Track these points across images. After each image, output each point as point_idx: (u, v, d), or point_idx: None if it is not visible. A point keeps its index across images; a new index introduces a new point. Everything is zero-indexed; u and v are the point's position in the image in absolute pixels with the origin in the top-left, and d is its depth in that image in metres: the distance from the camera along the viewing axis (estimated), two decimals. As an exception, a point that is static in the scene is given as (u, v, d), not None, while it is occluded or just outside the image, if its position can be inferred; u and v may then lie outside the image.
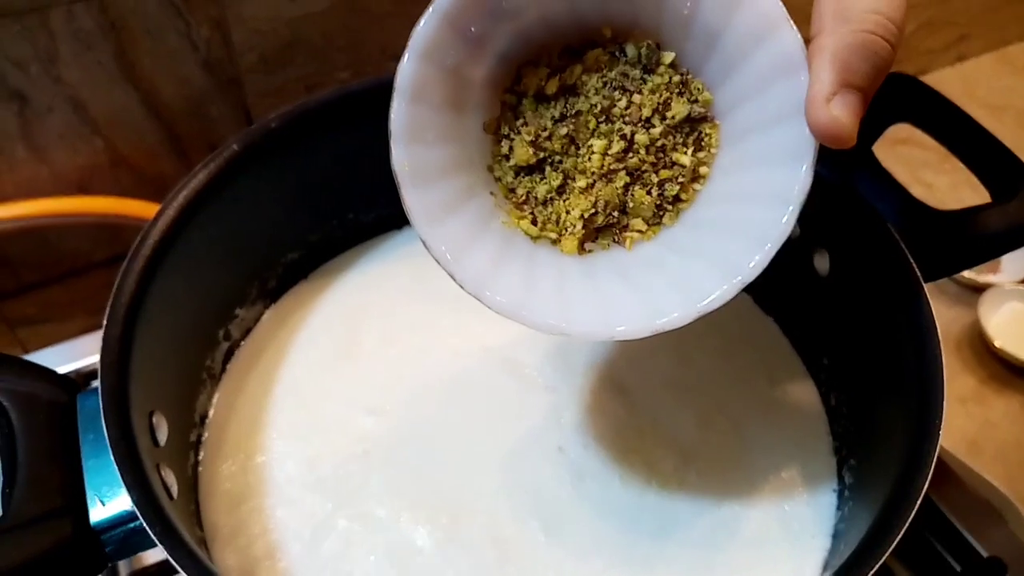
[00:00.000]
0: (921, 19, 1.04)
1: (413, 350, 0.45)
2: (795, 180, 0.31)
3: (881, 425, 0.37)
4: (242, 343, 0.46)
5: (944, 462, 0.49)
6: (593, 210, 0.34)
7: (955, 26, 1.08)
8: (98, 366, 0.34)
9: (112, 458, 0.29)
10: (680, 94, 0.33)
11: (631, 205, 0.34)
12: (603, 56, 0.33)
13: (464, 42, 0.32)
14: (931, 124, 0.41)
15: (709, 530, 0.38)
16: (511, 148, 0.34)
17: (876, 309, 0.38)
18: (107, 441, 0.30)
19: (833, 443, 0.42)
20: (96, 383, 0.33)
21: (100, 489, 0.31)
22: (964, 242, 0.38)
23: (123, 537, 0.31)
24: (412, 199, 0.32)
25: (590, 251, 0.34)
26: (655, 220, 0.34)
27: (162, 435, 0.35)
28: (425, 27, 0.31)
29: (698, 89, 0.33)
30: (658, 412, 0.43)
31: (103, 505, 0.31)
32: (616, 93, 0.33)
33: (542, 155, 0.34)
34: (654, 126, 0.33)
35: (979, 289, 0.82)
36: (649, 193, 0.34)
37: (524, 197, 0.35)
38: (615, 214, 0.34)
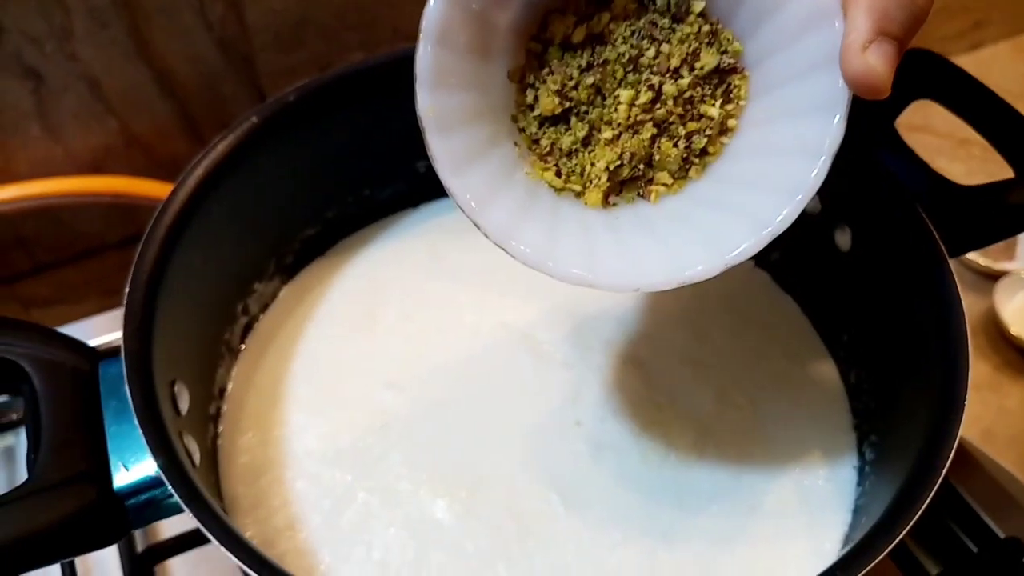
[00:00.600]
0: (937, 5, 1.02)
1: (431, 326, 0.45)
2: (827, 131, 0.30)
3: (903, 401, 0.37)
4: (260, 318, 0.46)
5: (962, 446, 0.48)
6: (619, 162, 0.33)
7: (971, 13, 1.07)
8: (113, 344, 0.34)
9: (136, 423, 0.29)
10: (709, 44, 0.33)
11: (657, 158, 0.33)
12: (631, 4, 0.33)
13: None
14: (954, 100, 0.41)
15: (728, 504, 0.38)
16: (536, 97, 0.34)
17: (899, 284, 0.38)
18: (131, 407, 0.30)
19: (853, 420, 0.42)
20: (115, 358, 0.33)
21: (123, 455, 0.31)
22: (988, 217, 0.38)
23: (146, 503, 0.31)
24: (437, 146, 0.32)
25: (614, 204, 0.34)
26: (681, 173, 0.34)
27: (183, 404, 0.35)
28: None
29: (728, 39, 0.33)
30: (676, 388, 0.42)
31: (127, 470, 0.31)
32: (644, 42, 0.33)
33: (568, 105, 0.33)
34: (682, 77, 0.33)
35: (995, 276, 0.81)
36: (676, 146, 0.33)
37: (548, 148, 0.34)
38: (640, 167, 0.33)
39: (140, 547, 0.46)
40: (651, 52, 0.33)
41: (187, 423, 0.35)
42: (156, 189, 0.66)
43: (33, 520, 0.28)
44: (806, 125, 0.31)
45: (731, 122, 0.33)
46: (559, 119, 0.34)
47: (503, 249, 0.32)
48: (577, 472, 0.39)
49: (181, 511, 0.32)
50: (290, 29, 0.66)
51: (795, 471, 0.40)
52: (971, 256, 0.83)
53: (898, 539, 0.28)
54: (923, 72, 0.42)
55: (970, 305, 0.84)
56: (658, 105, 0.33)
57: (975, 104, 0.40)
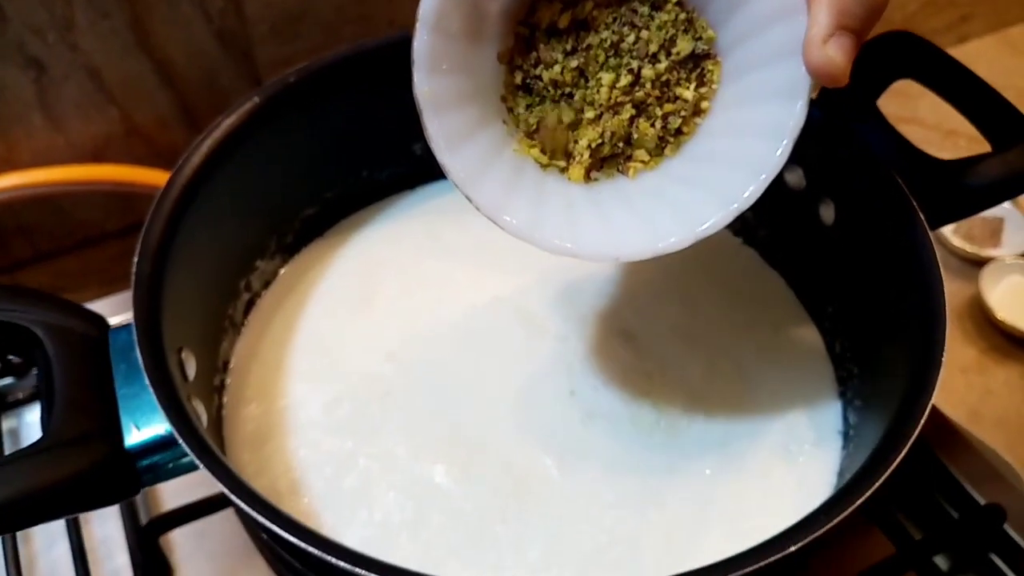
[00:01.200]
0: (924, -1, 1.05)
1: (428, 301, 0.46)
2: (791, 115, 0.33)
3: (885, 365, 0.38)
4: (263, 294, 0.47)
5: (949, 425, 0.50)
6: (600, 140, 0.35)
7: (957, 7, 1.09)
8: (117, 325, 0.35)
9: (148, 383, 0.30)
10: (685, 31, 0.35)
11: (635, 137, 0.36)
12: None
13: None
14: (933, 79, 0.42)
15: (716, 467, 0.40)
16: (524, 79, 0.36)
17: (880, 255, 0.39)
18: (141, 369, 0.31)
19: (838, 387, 0.43)
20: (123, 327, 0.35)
21: (134, 416, 0.32)
22: (966, 189, 0.39)
23: (156, 463, 0.32)
24: (432, 125, 0.34)
25: (595, 179, 0.36)
26: (657, 151, 0.36)
27: (191, 370, 0.36)
28: None
29: (703, 27, 0.35)
30: (666, 358, 0.44)
31: (138, 430, 0.32)
32: (625, 29, 0.35)
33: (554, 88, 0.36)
34: (660, 61, 0.35)
35: (980, 263, 0.83)
36: (653, 125, 0.35)
37: (535, 126, 0.36)
38: (620, 145, 0.36)
39: (144, 519, 0.47)
40: (631, 38, 0.35)
41: (194, 389, 0.36)
42: (155, 177, 0.67)
43: (48, 474, 0.29)
44: (772, 109, 0.33)
45: (704, 104, 0.36)
46: (544, 99, 0.36)
47: (493, 221, 0.34)
48: (571, 438, 0.40)
49: (189, 470, 0.34)
50: (288, 22, 0.67)
51: (782, 436, 0.41)
52: (957, 243, 0.85)
53: (872, 489, 0.29)
54: (904, 53, 0.43)
55: (957, 291, 0.87)
56: (637, 87, 0.35)
57: (953, 82, 0.42)
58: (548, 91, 0.36)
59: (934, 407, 0.49)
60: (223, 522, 0.46)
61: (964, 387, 0.79)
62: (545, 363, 0.43)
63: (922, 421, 0.30)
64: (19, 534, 0.46)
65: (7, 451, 0.52)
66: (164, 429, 0.32)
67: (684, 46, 0.35)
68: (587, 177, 0.36)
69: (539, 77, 0.36)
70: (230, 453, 0.40)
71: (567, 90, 0.36)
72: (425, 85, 0.33)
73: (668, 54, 0.35)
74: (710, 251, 0.49)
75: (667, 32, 0.35)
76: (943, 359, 0.32)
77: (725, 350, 0.44)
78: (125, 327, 0.34)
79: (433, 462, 0.40)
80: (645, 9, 0.35)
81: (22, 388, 0.52)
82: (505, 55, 0.36)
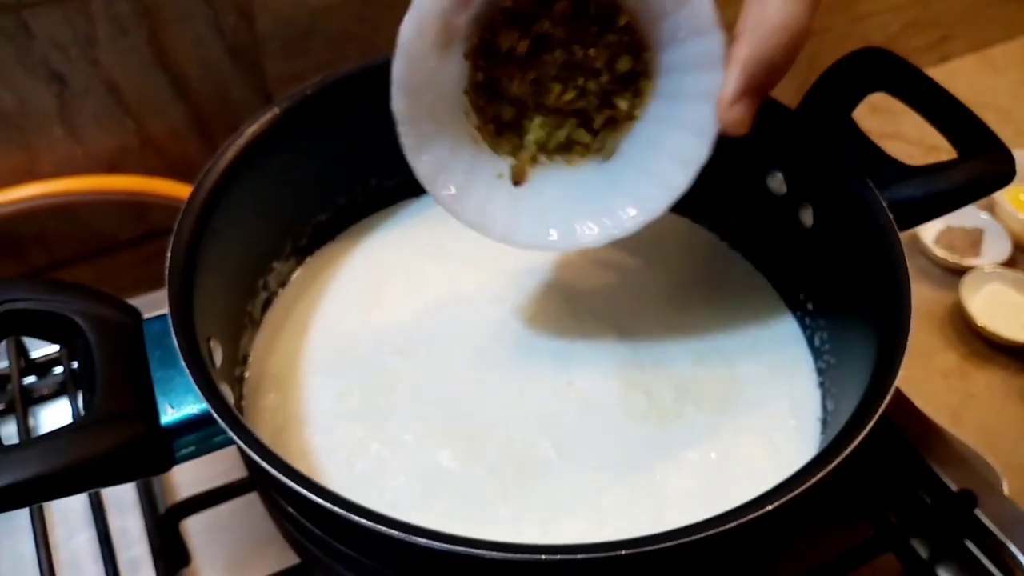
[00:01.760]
0: (905, 19, 1.09)
1: (432, 301, 0.49)
2: (699, 150, 0.38)
3: (859, 354, 0.41)
4: (279, 293, 0.50)
5: (926, 419, 0.53)
6: (546, 139, 0.42)
7: (938, 27, 1.12)
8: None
9: (184, 366, 0.33)
10: (628, 52, 0.40)
11: (575, 137, 0.42)
12: (568, 8, 0.39)
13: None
14: (904, 91, 0.45)
15: (705, 453, 0.42)
16: (486, 77, 0.41)
17: (854, 254, 0.42)
18: (176, 353, 0.33)
19: (818, 378, 0.46)
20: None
21: (168, 396, 0.35)
22: (933, 193, 0.42)
23: (188, 441, 0.35)
24: (406, 134, 0.40)
25: (540, 164, 0.42)
26: (594, 151, 0.42)
27: (218, 358, 0.39)
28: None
29: (642, 49, 0.40)
30: (658, 352, 0.47)
31: (172, 409, 0.35)
32: (576, 46, 0.40)
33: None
34: (603, 75, 0.40)
35: (961, 272, 0.86)
36: (592, 128, 0.41)
37: (491, 116, 0.42)
38: (562, 141, 0.42)
39: (161, 509, 0.50)
40: (580, 55, 0.40)
41: (221, 375, 0.39)
42: (168, 188, 0.70)
43: (91, 447, 0.32)
44: (685, 138, 0.39)
45: (636, 112, 0.41)
46: (502, 97, 0.41)
47: (453, 216, 0.41)
48: (569, 425, 0.43)
49: (219, 448, 0.36)
50: (297, 38, 0.70)
51: (766, 424, 0.44)
52: (939, 253, 0.88)
53: (832, 465, 0.32)
54: (877, 68, 0.46)
55: (939, 299, 0.90)
56: (581, 97, 0.41)
57: (923, 95, 0.45)
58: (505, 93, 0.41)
59: (913, 405, 0.52)
60: (237, 510, 0.49)
61: (946, 391, 0.83)
62: (544, 356, 0.46)
63: (888, 397, 0.33)
64: (46, 521, 0.49)
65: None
66: (196, 409, 0.35)
67: (624, 65, 0.40)
68: (532, 161, 0.42)
69: (498, 80, 0.41)
70: (250, 439, 0.43)
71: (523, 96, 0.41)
72: (400, 103, 0.39)
73: (611, 70, 0.40)
74: (699, 254, 0.53)
75: (612, 51, 0.40)
76: (907, 344, 0.35)
77: (714, 345, 0.47)
78: (158, 317, 0.37)
79: (439, 447, 0.42)
80: (595, 28, 0.40)
81: (47, 385, 0.55)
82: (470, 54, 0.40)
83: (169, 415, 0.34)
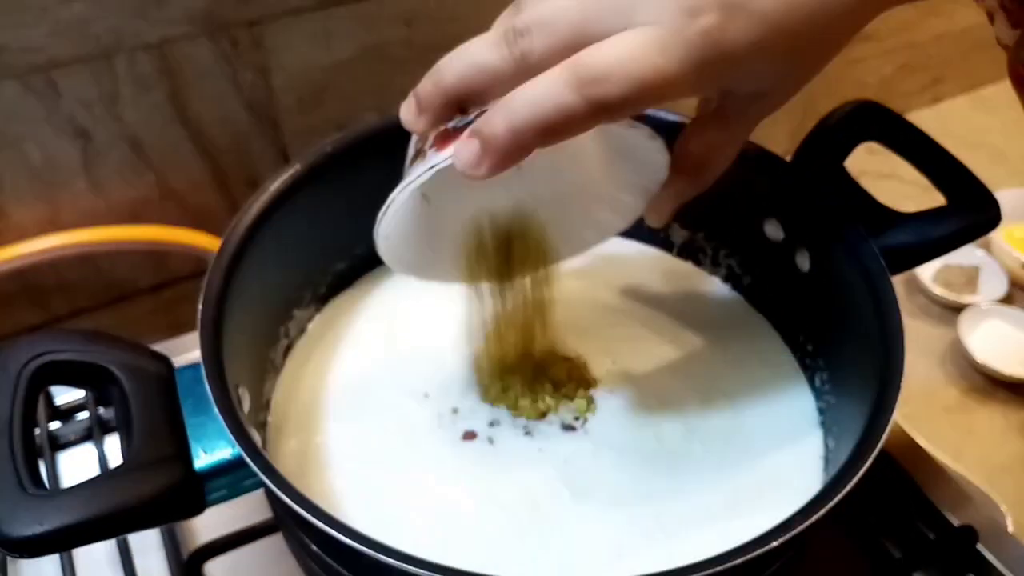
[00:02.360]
0: (898, 63, 1.12)
1: (448, 345, 0.51)
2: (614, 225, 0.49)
3: (857, 393, 0.43)
4: (297, 341, 0.52)
5: (927, 455, 0.54)
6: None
7: (930, 70, 1.15)
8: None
9: (217, 412, 0.35)
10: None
11: None
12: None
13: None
14: (894, 141, 0.47)
15: (712, 490, 0.44)
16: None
17: (849, 297, 0.44)
18: (209, 399, 0.35)
19: (820, 417, 0.48)
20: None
21: (201, 442, 0.37)
22: (923, 239, 0.44)
23: (220, 484, 0.37)
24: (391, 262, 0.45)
25: None
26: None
27: (246, 404, 0.41)
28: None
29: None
30: (664, 393, 0.48)
31: (206, 454, 0.36)
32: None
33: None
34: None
35: (959, 309, 0.88)
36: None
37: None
38: None
39: (184, 550, 0.51)
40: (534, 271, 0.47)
41: (249, 420, 0.41)
42: (188, 237, 0.72)
43: (132, 493, 0.34)
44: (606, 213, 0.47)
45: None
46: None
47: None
48: (582, 465, 0.45)
49: (249, 491, 0.38)
50: (312, 93, 0.73)
51: (771, 461, 0.45)
52: (937, 291, 0.90)
53: (833, 502, 0.33)
54: (866, 120, 0.49)
55: (938, 336, 0.91)
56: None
57: (911, 144, 0.47)
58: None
59: (915, 441, 0.54)
60: (258, 552, 0.50)
61: (948, 426, 0.84)
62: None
63: (884, 435, 0.35)
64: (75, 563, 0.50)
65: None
66: (229, 454, 0.36)
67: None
68: None
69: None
70: (273, 482, 0.44)
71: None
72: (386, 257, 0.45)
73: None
74: (701, 298, 0.55)
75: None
76: (901, 384, 0.37)
77: (719, 385, 0.49)
78: (190, 366, 0.39)
79: (457, 488, 0.44)
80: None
81: (73, 431, 0.56)
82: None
83: (202, 460, 0.36)
